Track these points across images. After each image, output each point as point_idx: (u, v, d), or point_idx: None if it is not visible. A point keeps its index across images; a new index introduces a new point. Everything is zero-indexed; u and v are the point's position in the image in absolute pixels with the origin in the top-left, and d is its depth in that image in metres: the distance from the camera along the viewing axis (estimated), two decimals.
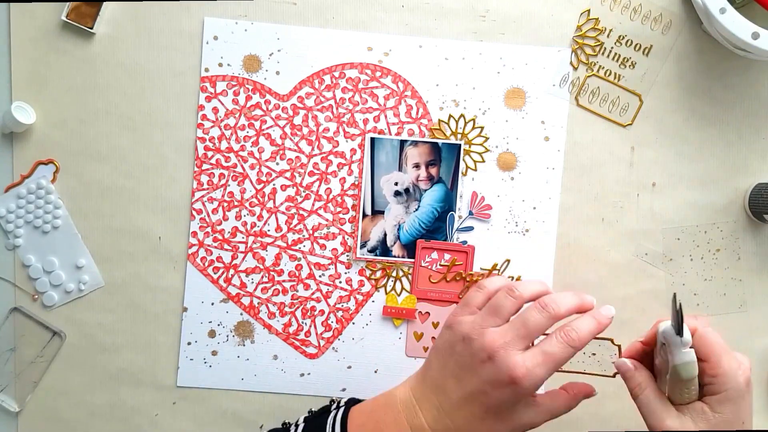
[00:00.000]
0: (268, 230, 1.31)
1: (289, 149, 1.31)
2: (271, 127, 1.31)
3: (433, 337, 1.31)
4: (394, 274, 1.31)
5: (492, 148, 1.31)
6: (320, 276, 1.31)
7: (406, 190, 1.30)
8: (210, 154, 1.31)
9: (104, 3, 1.30)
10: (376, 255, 1.31)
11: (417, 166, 1.30)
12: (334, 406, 1.18)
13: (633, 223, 1.32)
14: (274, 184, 1.31)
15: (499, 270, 1.31)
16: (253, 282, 1.32)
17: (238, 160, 1.31)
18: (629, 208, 1.32)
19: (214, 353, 1.32)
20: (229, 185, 1.31)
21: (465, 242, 1.31)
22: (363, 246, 1.31)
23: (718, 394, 1.03)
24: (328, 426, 1.11)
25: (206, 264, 1.31)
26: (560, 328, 1.05)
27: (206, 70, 1.31)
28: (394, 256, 1.31)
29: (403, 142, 1.31)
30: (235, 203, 1.31)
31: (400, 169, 1.30)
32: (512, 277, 1.32)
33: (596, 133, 1.32)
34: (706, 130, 1.32)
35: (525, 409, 1.04)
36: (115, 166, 1.31)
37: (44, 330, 1.31)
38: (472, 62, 1.32)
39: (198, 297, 1.32)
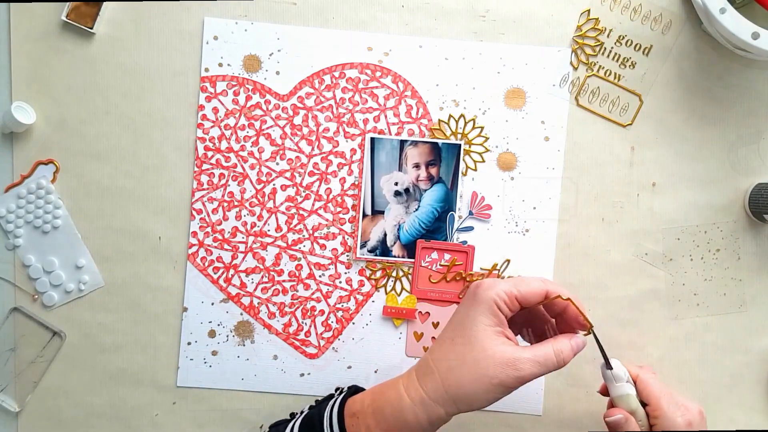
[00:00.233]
0: (268, 230, 1.31)
1: (289, 149, 1.31)
2: (271, 127, 1.31)
3: (433, 337, 1.31)
4: (394, 274, 1.31)
5: (492, 148, 1.31)
6: (320, 276, 1.31)
7: (406, 190, 1.30)
8: (210, 154, 1.31)
9: (104, 3, 1.30)
10: (376, 255, 1.31)
11: (417, 166, 1.30)
12: (338, 392, 1.19)
13: (633, 223, 1.32)
14: (274, 184, 1.31)
15: (499, 270, 1.31)
16: (253, 282, 1.32)
17: (238, 160, 1.31)
18: (629, 208, 1.32)
19: (214, 353, 1.32)
20: (229, 185, 1.31)
21: (465, 242, 1.31)
22: (363, 246, 1.31)
23: None
24: (326, 411, 1.12)
25: (206, 264, 1.31)
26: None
27: (206, 70, 1.31)
28: (394, 256, 1.31)
29: (403, 142, 1.31)
30: (235, 203, 1.31)
31: (400, 169, 1.31)
32: (512, 276, 1.32)
33: (596, 133, 1.32)
34: (706, 130, 1.32)
35: (498, 338, 1.04)
36: (115, 166, 1.31)
37: (44, 330, 1.31)
38: (472, 62, 1.32)
39: (198, 297, 1.32)
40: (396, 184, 1.30)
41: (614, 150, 1.32)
